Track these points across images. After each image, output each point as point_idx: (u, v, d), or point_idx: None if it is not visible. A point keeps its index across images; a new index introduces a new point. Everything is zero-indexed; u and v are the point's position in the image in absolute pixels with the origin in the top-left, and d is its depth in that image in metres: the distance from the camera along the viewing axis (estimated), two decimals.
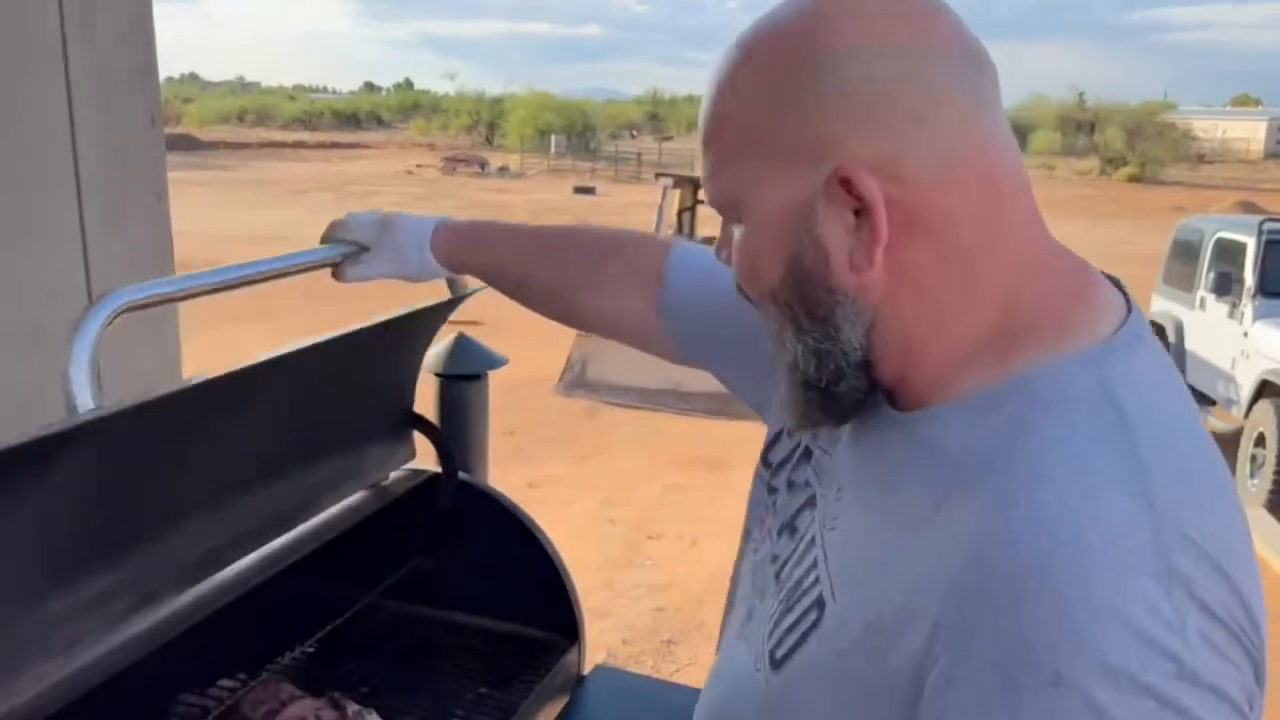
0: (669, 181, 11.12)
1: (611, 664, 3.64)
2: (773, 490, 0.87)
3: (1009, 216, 0.70)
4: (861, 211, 0.67)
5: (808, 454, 0.83)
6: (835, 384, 0.72)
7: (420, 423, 1.70)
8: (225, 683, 1.40)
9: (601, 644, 4.21)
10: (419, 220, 1.24)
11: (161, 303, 1.08)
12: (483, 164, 37.68)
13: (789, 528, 0.81)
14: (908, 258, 0.68)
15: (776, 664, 0.74)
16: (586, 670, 1.73)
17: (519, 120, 52.22)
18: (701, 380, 8.60)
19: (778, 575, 0.80)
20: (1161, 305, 7.97)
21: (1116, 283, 0.75)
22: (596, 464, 6.77)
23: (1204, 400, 7.06)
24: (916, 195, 0.67)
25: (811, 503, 0.80)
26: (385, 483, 1.68)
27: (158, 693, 1.39)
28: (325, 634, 1.51)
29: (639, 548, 5.43)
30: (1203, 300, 7.28)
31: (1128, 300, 0.73)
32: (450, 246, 1.21)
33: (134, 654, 1.18)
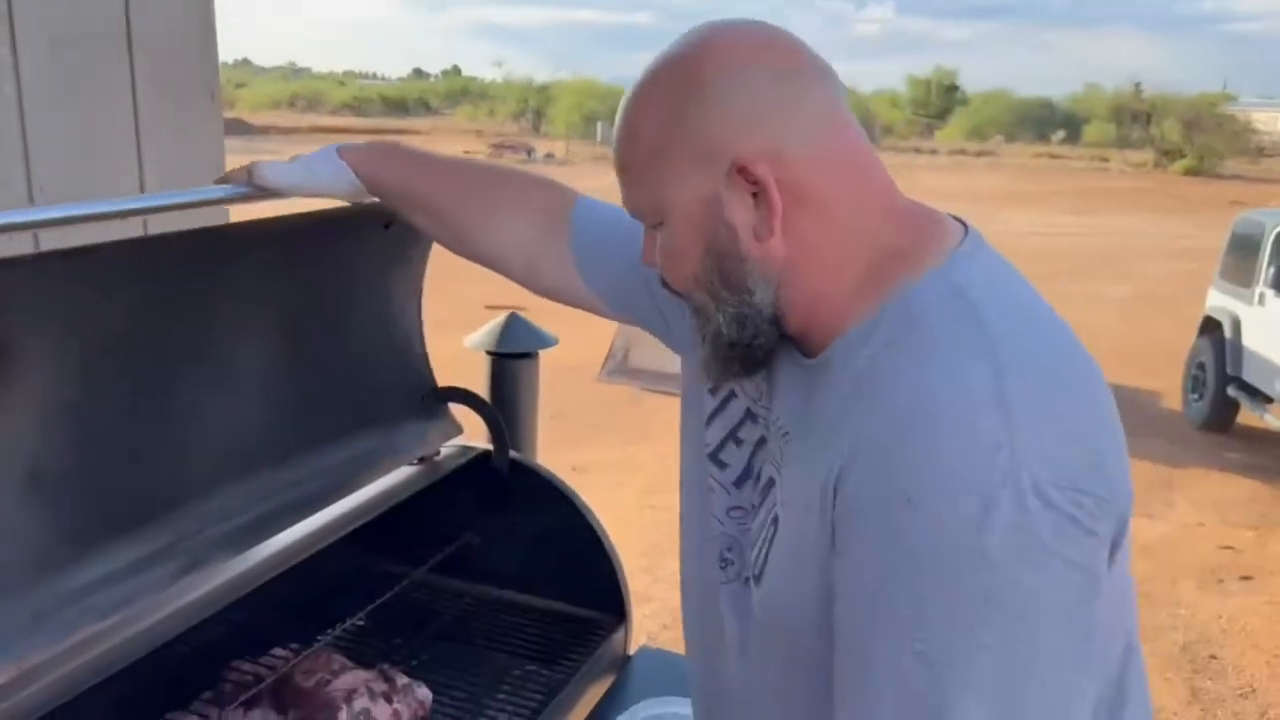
0: None
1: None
2: (721, 464, 1.01)
3: (871, 183, 0.89)
4: (758, 194, 0.85)
5: (751, 415, 0.98)
6: (753, 340, 0.90)
7: (468, 396, 1.69)
8: (278, 651, 1.40)
9: (643, 629, 4.21)
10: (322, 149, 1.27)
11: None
12: (529, 151, 37.78)
13: (746, 474, 0.99)
14: (800, 226, 0.86)
15: (757, 580, 0.92)
16: (632, 651, 1.72)
17: (566, 107, 52.22)
18: None
19: (743, 519, 0.98)
20: (1218, 300, 7.76)
21: (960, 220, 0.92)
22: (639, 450, 6.76)
23: (1262, 397, 6.88)
24: (797, 174, 0.85)
25: (763, 444, 0.96)
26: (436, 458, 1.69)
27: (211, 659, 1.40)
28: (375, 607, 1.51)
29: None
30: (1262, 296, 7.08)
31: (966, 228, 0.91)
32: (358, 154, 1.24)
33: (186, 620, 1.19)
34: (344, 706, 1.27)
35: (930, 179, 25.91)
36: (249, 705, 1.28)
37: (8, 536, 1.03)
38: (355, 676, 1.33)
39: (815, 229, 0.86)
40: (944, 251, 0.86)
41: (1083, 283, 11.80)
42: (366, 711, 1.28)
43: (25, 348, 1.02)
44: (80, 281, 1.07)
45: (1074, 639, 0.75)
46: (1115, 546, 0.78)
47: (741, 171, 0.85)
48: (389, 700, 1.31)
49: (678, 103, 0.87)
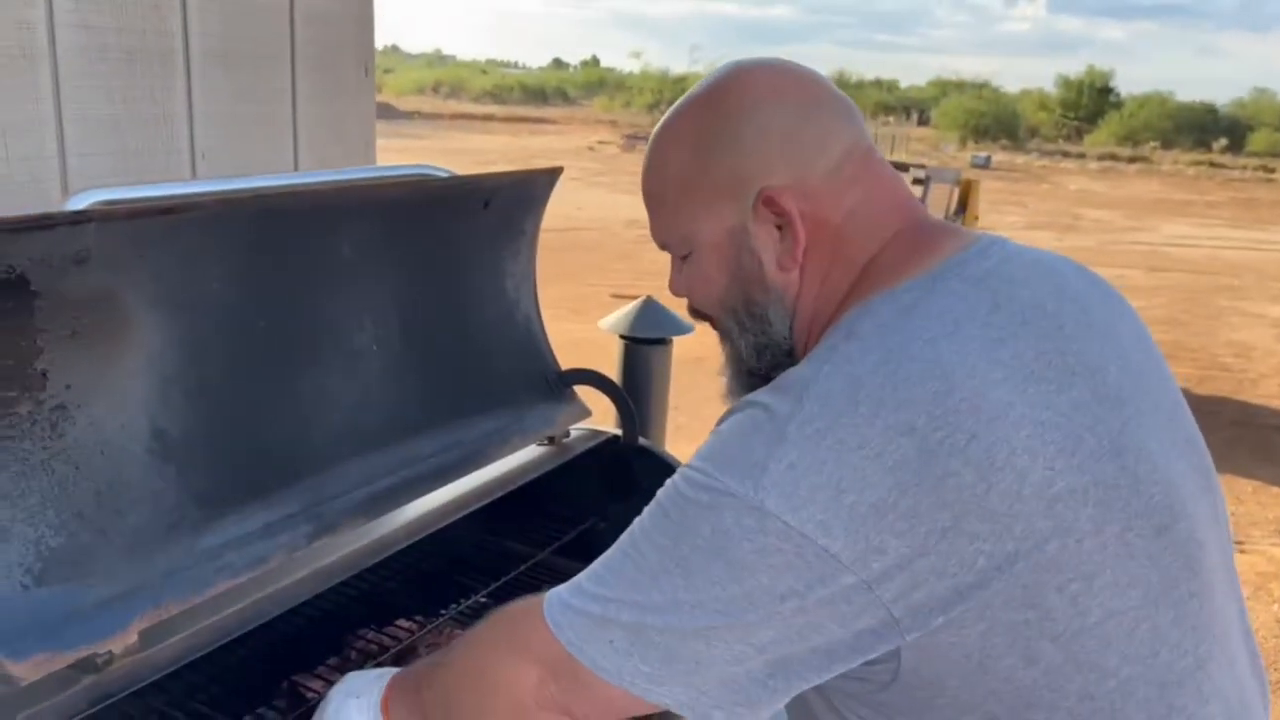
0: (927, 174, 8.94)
1: None
2: None
3: (886, 205, 0.93)
4: (783, 225, 0.91)
5: None
6: (771, 370, 0.93)
7: (598, 378, 1.67)
8: (402, 623, 1.41)
9: None
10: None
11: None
12: None
13: None
14: (816, 255, 0.91)
15: None
16: None
17: None
18: None
19: None
20: None
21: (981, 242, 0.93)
22: None
23: None
24: (820, 206, 0.90)
25: None
26: (565, 440, 1.67)
27: (337, 626, 1.42)
28: (499, 586, 1.51)
29: None
30: None
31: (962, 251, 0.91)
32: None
33: (317, 584, 1.20)
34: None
35: (1075, 183, 24.83)
36: None
37: (136, 495, 1.05)
38: (438, 636, 1.32)
39: (827, 259, 0.91)
40: (899, 280, 0.88)
41: (1239, 299, 11.09)
42: None
43: (136, 303, 1.04)
44: (188, 237, 1.09)
45: (732, 633, 0.80)
46: (916, 611, 0.79)
47: (768, 203, 0.90)
48: None
49: (706, 137, 0.92)
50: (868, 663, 0.83)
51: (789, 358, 0.95)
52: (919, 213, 0.95)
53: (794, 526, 0.77)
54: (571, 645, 0.85)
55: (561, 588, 0.91)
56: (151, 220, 1.03)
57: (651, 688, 0.83)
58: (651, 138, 0.98)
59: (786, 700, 0.85)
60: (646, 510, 0.88)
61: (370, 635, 1.36)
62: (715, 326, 1.01)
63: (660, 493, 0.88)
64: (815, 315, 0.94)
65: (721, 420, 0.88)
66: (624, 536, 0.90)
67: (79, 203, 1.02)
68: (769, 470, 0.79)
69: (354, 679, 1.03)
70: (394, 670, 1.03)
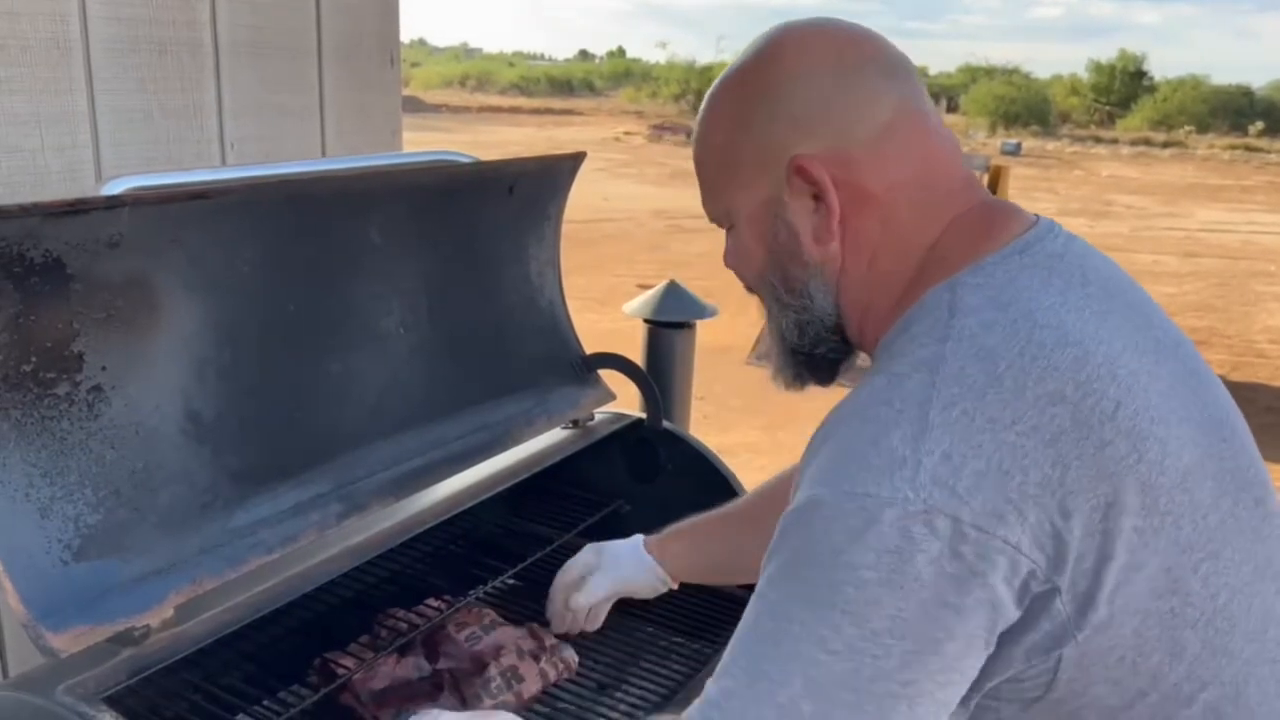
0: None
1: None
2: None
3: (940, 186, 0.87)
4: (819, 196, 0.85)
5: None
6: (815, 348, 0.92)
7: (622, 362, 1.69)
8: (431, 602, 1.43)
9: None
10: (623, 540, 1.37)
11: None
12: (688, 133, 37.79)
13: None
14: (860, 230, 0.86)
15: None
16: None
17: None
18: None
19: None
20: None
21: (1045, 220, 0.89)
22: (786, 435, 6.66)
23: None
24: (859, 176, 0.85)
25: None
26: (590, 423, 1.69)
27: (366, 605, 1.44)
28: (526, 566, 1.52)
29: None
30: None
31: (1033, 227, 0.87)
32: (663, 543, 1.32)
33: (347, 561, 1.23)
34: (492, 662, 1.28)
35: (1107, 169, 24.52)
36: (402, 651, 1.31)
37: (171, 473, 1.08)
38: (505, 633, 1.34)
39: (875, 234, 0.86)
40: (980, 257, 0.83)
41: (1275, 284, 10.90)
42: (514, 669, 1.29)
43: (169, 287, 1.07)
44: (219, 221, 1.11)
45: (929, 675, 0.72)
46: (1086, 603, 0.73)
47: (800, 172, 0.85)
48: (536, 659, 1.32)
49: (744, 107, 0.89)
50: (1014, 679, 0.77)
51: (834, 335, 0.91)
52: (977, 189, 0.90)
53: (967, 521, 0.70)
54: None
55: (697, 707, 0.78)
56: (183, 205, 1.06)
57: None
58: (698, 114, 0.96)
59: None
60: (773, 566, 0.77)
61: (399, 614, 1.38)
62: (760, 301, 0.97)
63: (781, 540, 0.77)
64: (870, 297, 0.88)
65: (819, 441, 0.79)
66: (753, 610, 0.77)
67: (113, 188, 1.05)
68: (922, 465, 0.71)
69: None
70: None
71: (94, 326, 1.01)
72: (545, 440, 1.61)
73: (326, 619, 1.39)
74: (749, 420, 7.01)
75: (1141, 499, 0.74)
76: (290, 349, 1.23)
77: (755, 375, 8.30)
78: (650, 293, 2.00)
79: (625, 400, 1.76)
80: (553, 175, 1.58)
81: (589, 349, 1.71)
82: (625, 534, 1.71)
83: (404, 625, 1.36)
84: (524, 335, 1.62)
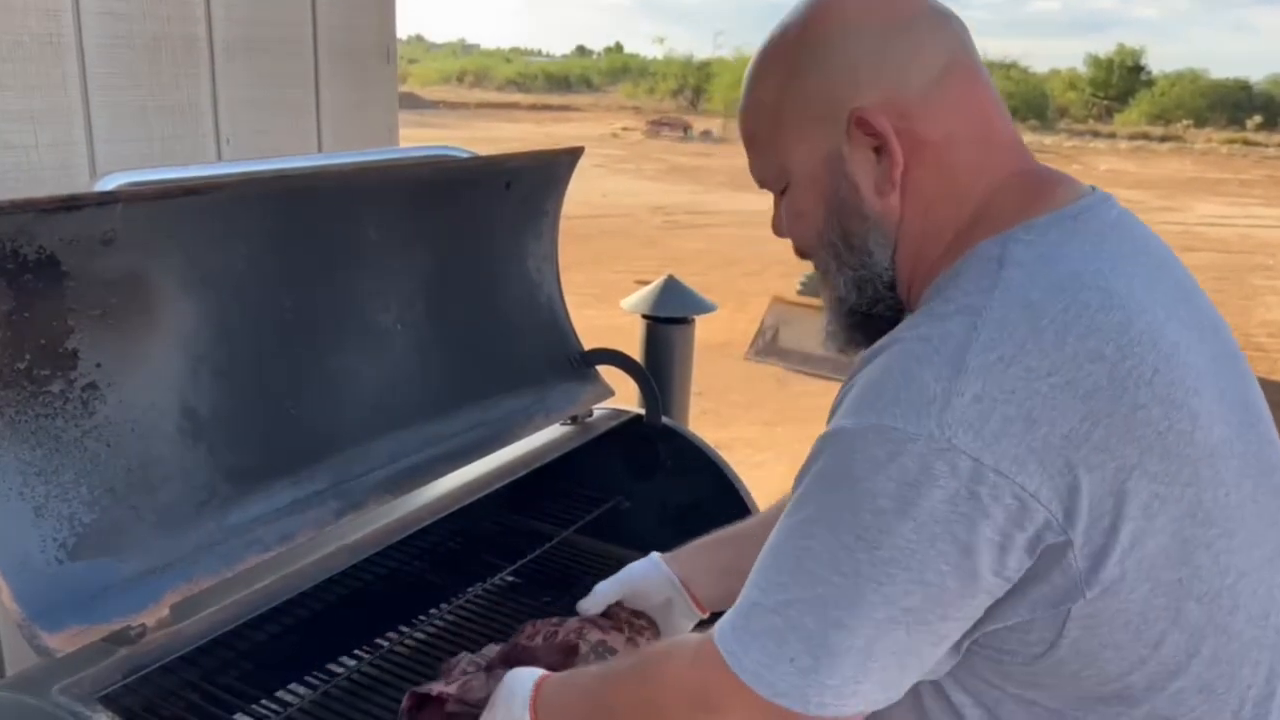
0: None
1: None
2: None
3: (995, 138, 0.87)
4: (880, 147, 0.85)
5: None
6: (873, 307, 0.90)
7: (620, 358, 1.68)
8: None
9: None
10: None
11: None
12: (686, 128, 37.74)
13: None
14: (918, 179, 0.85)
15: None
16: None
17: (725, 85, 51.83)
18: None
19: None
20: None
21: (1096, 190, 0.88)
22: (785, 431, 6.66)
23: None
24: (916, 126, 0.84)
25: None
26: (588, 419, 1.68)
27: (365, 602, 1.44)
28: (525, 563, 1.52)
29: None
30: None
31: (1085, 195, 0.86)
32: (674, 552, 1.29)
33: (345, 559, 1.22)
34: (580, 641, 1.20)
35: (1105, 163, 24.52)
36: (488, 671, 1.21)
37: (167, 472, 1.07)
38: (575, 620, 1.26)
39: (932, 183, 0.86)
40: (1033, 217, 0.83)
41: (1274, 278, 10.91)
42: (603, 643, 1.21)
43: (163, 284, 1.06)
44: (214, 218, 1.10)
45: (929, 607, 0.74)
46: (1098, 561, 0.74)
47: (861, 124, 0.85)
48: (620, 630, 1.24)
49: (795, 64, 0.88)
50: (1019, 629, 0.78)
51: (890, 291, 0.90)
52: (1027, 153, 0.90)
53: (988, 465, 0.71)
54: (747, 673, 0.78)
55: (728, 613, 0.83)
56: (177, 201, 1.05)
57: (842, 703, 0.76)
58: (745, 76, 0.94)
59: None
60: (801, 489, 0.80)
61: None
62: (815, 264, 0.95)
63: (811, 462, 0.80)
64: (922, 248, 0.88)
65: (856, 370, 0.81)
66: (779, 529, 0.81)
67: (106, 184, 1.04)
68: (951, 404, 0.72)
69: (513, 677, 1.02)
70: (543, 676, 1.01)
71: (88, 324, 1.00)
72: (544, 436, 1.60)
73: (324, 617, 1.39)
74: (748, 416, 7.01)
75: (1165, 466, 0.75)
76: (286, 346, 1.22)
77: (754, 371, 8.30)
78: (648, 288, 2.00)
79: (624, 396, 1.75)
80: (550, 171, 1.57)
81: (588, 345, 1.71)
82: (624, 530, 1.71)
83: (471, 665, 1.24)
84: (522, 331, 1.61)
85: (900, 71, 0.85)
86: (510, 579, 1.54)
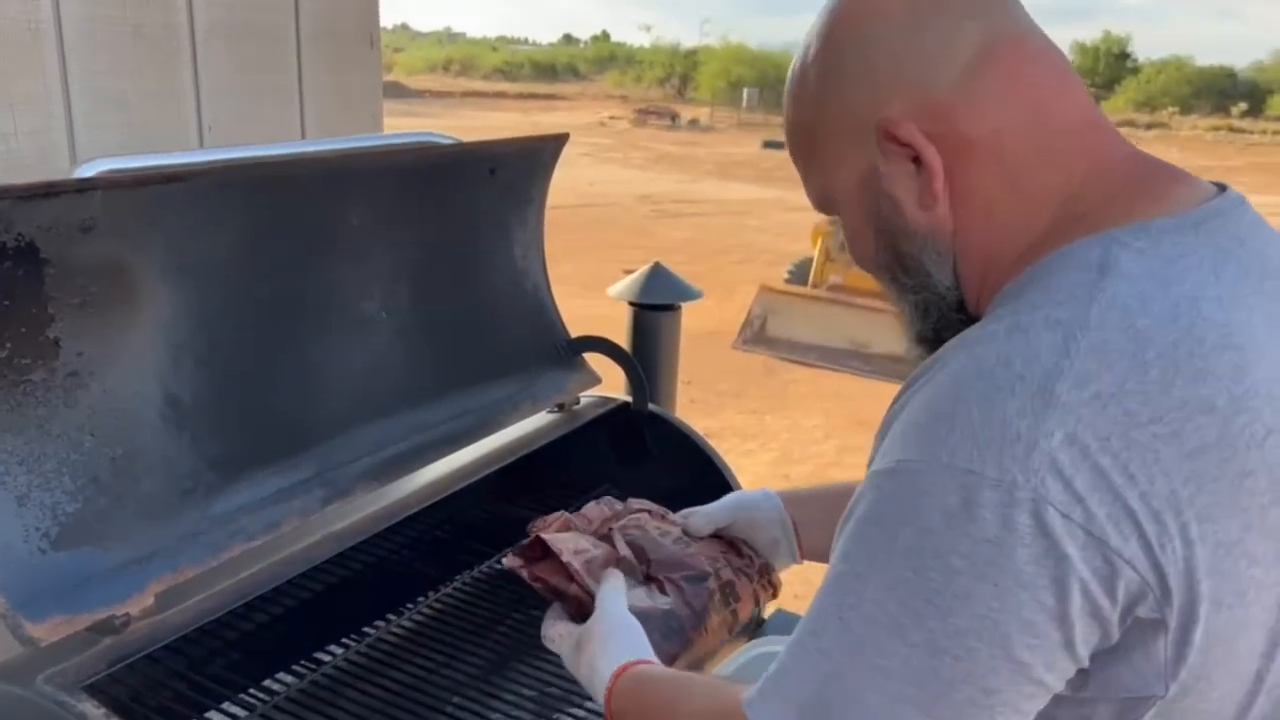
0: None
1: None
2: None
3: (1059, 120, 0.76)
4: (917, 158, 0.76)
5: None
6: (942, 332, 0.80)
7: (607, 345, 1.68)
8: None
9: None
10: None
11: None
12: (673, 116, 37.71)
13: None
14: (970, 183, 0.76)
15: None
16: (767, 614, 1.68)
17: (712, 73, 51.82)
18: (886, 342, 8.35)
19: None
20: None
21: (1220, 188, 0.77)
22: (773, 420, 6.69)
23: None
24: (953, 122, 0.75)
25: None
26: (575, 406, 1.68)
27: (352, 590, 1.43)
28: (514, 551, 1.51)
29: None
30: None
31: (1212, 195, 0.75)
32: (793, 500, 1.22)
33: (332, 547, 1.22)
34: (711, 574, 1.14)
35: None
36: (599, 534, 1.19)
37: (151, 461, 1.06)
38: (704, 544, 1.19)
39: (987, 184, 0.76)
40: (1143, 219, 0.71)
41: None
42: (731, 585, 1.15)
43: (145, 272, 1.05)
44: (195, 205, 1.09)
45: (1014, 684, 0.64)
46: (1184, 650, 0.64)
47: (889, 136, 0.77)
48: (750, 578, 1.19)
49: (818, 82, 0.82)
50: (1079, 710, 0.69)
51: (958, 313, 0.81)
52: (1115, 135, 0.79)
53: (1079, 524, 0.61)
54: None
55: (761, 681, 0.73)
56: (158, 188, 1.04)
57: None
58: (785, 89, 0.88)
59: None
60: (849, 533, 0.69)
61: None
62: (883, 289, 0.88)
63: (863, 506, 0.69)
64: (990, 257, 0.77)
65: (916, 386, 0.71)
66: (827, 580, 0.70)
67: (86, 171, 1.03)
68: (1039, 447, 0.61)
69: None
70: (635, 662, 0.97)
71: (70, 312, 0.99)
72: (530, 424, 1.60)
73: (311, 605, 1.38)
74: (736, 405, 7.04)
75: (1265, 548, 0.65)
76: (271, 334, 1.22)
77: (742, 360, 8.32)
78: (635, 275, 2.00)
79: (611, 384, 1.75)
80: (535, 157, 1.56)
81: (575, 335, 1.70)
82: None
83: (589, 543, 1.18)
84: (508, 319, 1.61)
85: (925, 69, 0.76)
86: (498, 566, 1.54)
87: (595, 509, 1.23)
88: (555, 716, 1.30)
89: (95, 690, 0.94)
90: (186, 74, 1.57)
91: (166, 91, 1.56)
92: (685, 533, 1.20)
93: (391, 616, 1.41)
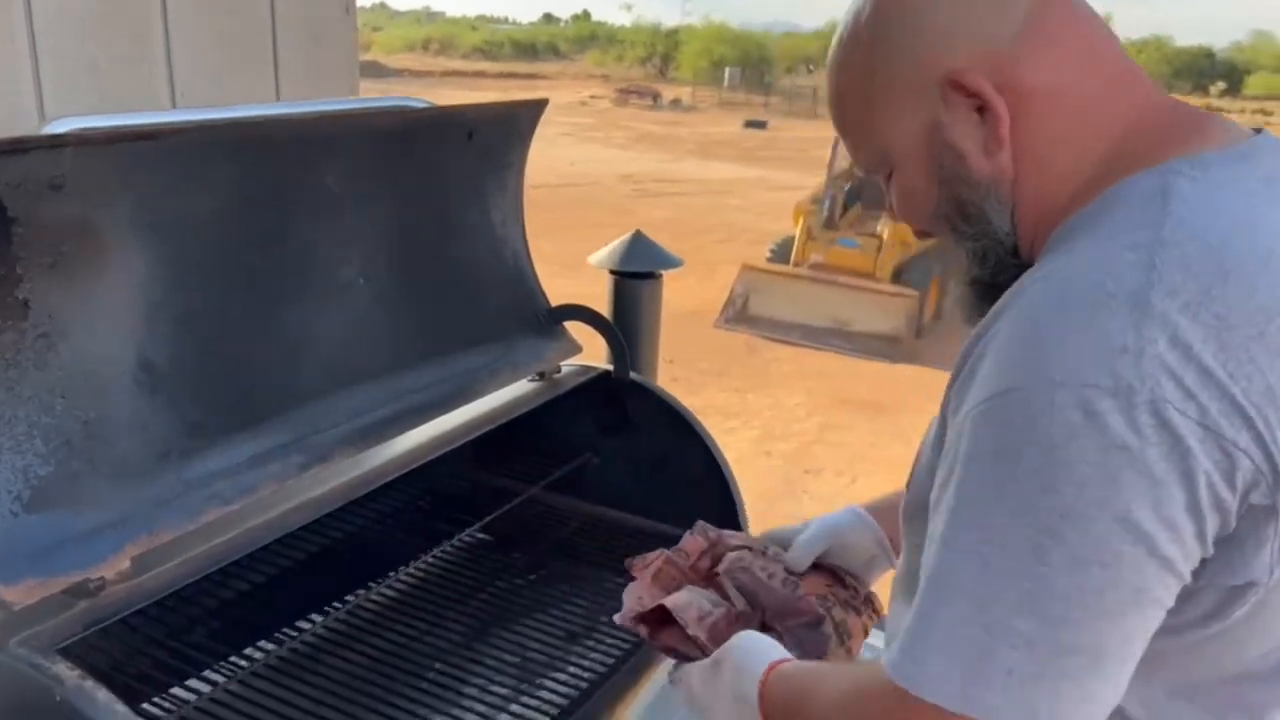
0: None
1: None
2: None
3: (1109, 68, 0.81)
4: (981, 107, 0.79)
5: None
6: (997, 276, 0.84)
7: (587, 313, 1.67)
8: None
9: None
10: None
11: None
12: (655, 96, 37.55)
13: None
14: (1030, 131, 0.80)
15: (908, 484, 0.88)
16: None
17: (693, 53, 51.61)
18: (868, 320, 8.34)
19: None
20: None
21: (1255, 129, 0.81)
22: (755, 398, 6.70)
23: None
24: (1016, 73, 0.79)
25: None
26: (556, 375, 1.67)
27: (330, 558, 1.43)
28: (494, 519, 1.51)
29: (796, 481, 5.36)
30: None
31: (1249, 134, 0.79)
32: (880, 512, 1.19)
33: (306, 516, 1.21)
34: (826, 616, 1.14)
35: None
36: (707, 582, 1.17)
37: (125, 424, 1.05)
38: (811, 581, 1.18)
39: (1047, 133, 0.80)
40: (1188, 152, 0.75)
41: None
42: (844, 624, 1.15)
43: (117, 233, 1.04)
44: (168, 164, 1.07)
45: (1158, 581, 0.66)
46: None
47: (956, 87, 0.80)
48: (858, 612, 1.19)
49: (873, 43, 0.84)
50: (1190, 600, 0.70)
51: (1014, 257, 0.84)
52: (1155, 86, 0.84)
53: (1195, 419, 0.64)
54: (953, 699, 0.67)
55: (898, 642, 0.72)
56: (130, 146, 1.02)
57: (1075, 711, 0.67)
58: (827, 66, 0.90)
59: None
60: (959, 475, 0.70)
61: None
62: (939, 239, 0.91)
63: (971, 443, 0.70)
64: (1044, 201, 0.81)
65: (992, 332, 0.73)
66: (942, 527, 0.71)
67: (57, 128, 1.01)
68: (1145, 353, 0.64)
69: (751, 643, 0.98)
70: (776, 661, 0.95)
71: (39, 273, 0.97)
72: (511, 392, 1.59)
73: (290, 573, 1.38)
74: (718, 383, 7.04)
75: None
76: (247, 297, 1.20)
77: (724, 339, 8.32)
78: (615, 243, 1.99)
79: (592, 354, 1.74)
80: (513, 122, 1.55)
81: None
82: (593, 486, 1.71)
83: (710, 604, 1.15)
84: (488, 286, 1.60)
85: (987, 22, 0.79)
86: (479, 535, 1.54)
87: (692, 541, 1.21)
88: (537, 681, 1.31)
89: (70, 653, 0.93)
90: (158, 36, 1.54)
91: (138, 58, 1.54)
92: (786, 569, 1.19)
93: (373, 584, 1.41)
